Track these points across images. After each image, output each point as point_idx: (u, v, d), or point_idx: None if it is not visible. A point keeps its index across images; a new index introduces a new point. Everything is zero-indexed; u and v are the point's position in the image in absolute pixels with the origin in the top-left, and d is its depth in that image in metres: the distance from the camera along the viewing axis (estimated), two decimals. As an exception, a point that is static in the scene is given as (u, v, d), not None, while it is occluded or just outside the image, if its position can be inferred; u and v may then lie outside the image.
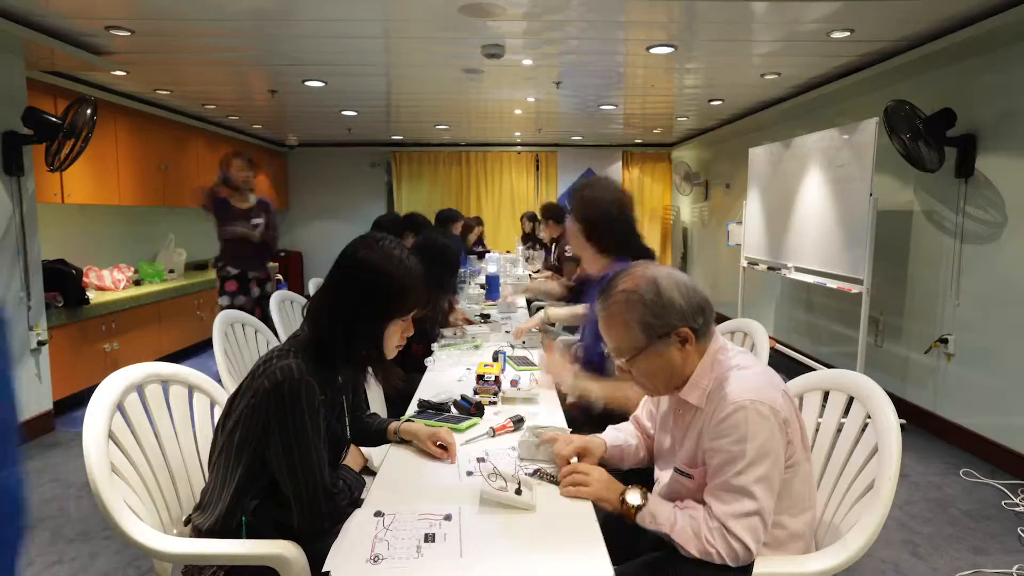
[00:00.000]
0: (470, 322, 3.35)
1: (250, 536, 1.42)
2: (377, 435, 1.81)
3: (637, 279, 1.38)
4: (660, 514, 1.35)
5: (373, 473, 1.71)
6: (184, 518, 1.63)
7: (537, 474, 1.55)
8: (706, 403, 1.36)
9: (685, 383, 1.40)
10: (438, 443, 1.69)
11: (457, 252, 3.26)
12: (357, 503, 1.49)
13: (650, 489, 1.48)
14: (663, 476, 1.50)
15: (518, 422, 1.88)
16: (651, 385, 1.44)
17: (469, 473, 1.59)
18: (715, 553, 1.26)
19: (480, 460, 1.67)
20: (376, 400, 2.76)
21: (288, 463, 1.38)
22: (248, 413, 1.41)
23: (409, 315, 1.55)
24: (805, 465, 1.37)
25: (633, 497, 1.38)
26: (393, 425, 1.79)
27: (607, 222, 2.15)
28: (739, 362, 1.37)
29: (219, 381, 2.09)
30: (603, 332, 1.43)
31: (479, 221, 7.65)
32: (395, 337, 1.55)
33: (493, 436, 1.82)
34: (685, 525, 1.30)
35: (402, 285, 1.50)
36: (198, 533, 1.48)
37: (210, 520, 1.45)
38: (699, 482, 1.37)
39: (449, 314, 3.30)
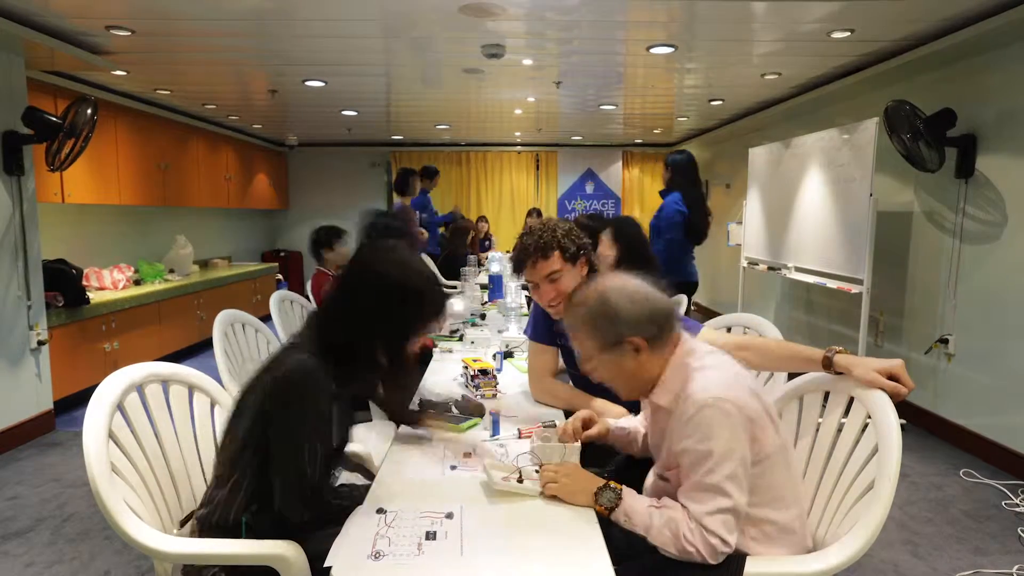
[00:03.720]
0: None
1: (249, 537, 1.43)
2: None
3: (588, 293, 1.46)
4: (635, 514, 1.36)
5: (372, 476, 1.72)
6: (182, 518, 1.63)
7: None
8: (675, 405, 1.38)
9: (654, 387, 1.43)
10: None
11: (403, 229, 3.21)
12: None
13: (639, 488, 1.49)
14: (649, 477, 1.53)
15: (549, 426, 1.86)
16: (617, 388, 1.50)
17: (453, 467, 1.62)
18: (695, 552, 1.27)
19: (467, 455, 1.69)
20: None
21: (282, 446, 1.40)
22: (258, 404, 1.43)
23: (430, 325, 1.57)
24: (780, 459, 1.37)
25: (605, 498, 1.39)
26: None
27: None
28: (706, 363, 1.39)
29: (219, 381, 2.09)
30: (571, 340, 1.51)
31: (482, 220, 7.82)
32: (415, 346, 1.58)
33: (519, 438, 1.82)
34: (662, 527, 1.32)
35: (430, 299, 1.52)
36: (200, 530, 1.48)
37: (214, 515, 1.46)
38: (675, 483, 1.38)
39: None
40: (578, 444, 1.62)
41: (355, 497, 1.56)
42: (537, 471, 1.52)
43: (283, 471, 1.40)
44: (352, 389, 1.62)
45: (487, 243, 8.00)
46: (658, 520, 1.33)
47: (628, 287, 1.44)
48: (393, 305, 1.48)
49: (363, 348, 1.49)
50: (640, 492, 1.45)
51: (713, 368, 1.37)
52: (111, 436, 1.48)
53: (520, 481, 1.47)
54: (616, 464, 1.81)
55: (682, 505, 1.33)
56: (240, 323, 2.77)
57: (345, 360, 1.48)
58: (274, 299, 3.35)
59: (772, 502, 1.36)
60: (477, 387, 2.20)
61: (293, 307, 3.46)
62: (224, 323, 2.63)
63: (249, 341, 2.78)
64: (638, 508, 1.37)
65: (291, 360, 1.42)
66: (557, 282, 2.00)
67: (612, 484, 1.41)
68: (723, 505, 1.27)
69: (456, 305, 3.51)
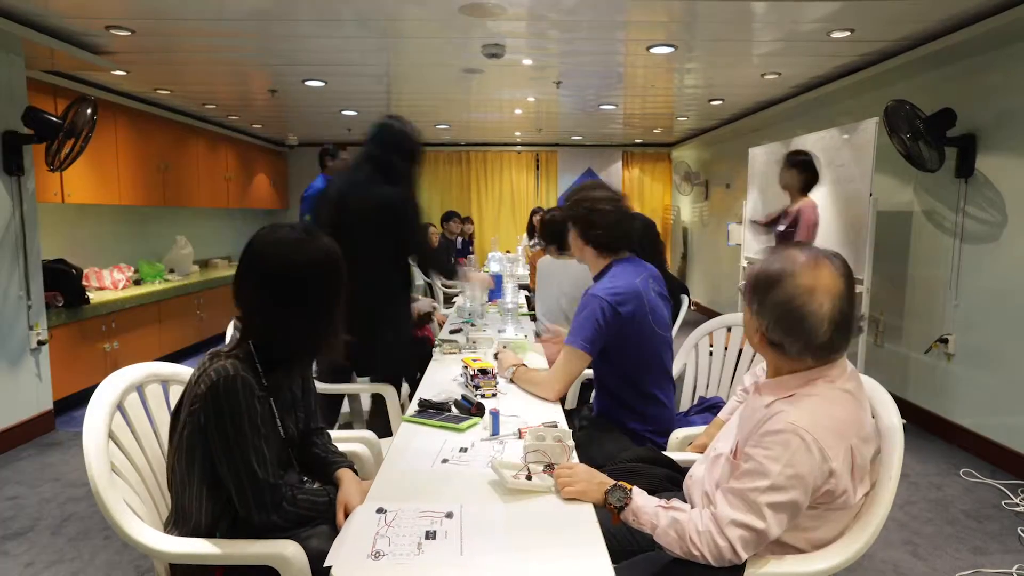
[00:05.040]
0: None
1: None
2: (322, 466, 1.67)
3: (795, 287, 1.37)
4: (642, 514, 1.36)
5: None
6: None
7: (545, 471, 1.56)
8: (770, 407, 1.31)
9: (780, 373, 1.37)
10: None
11: (416, 142, 2.79)
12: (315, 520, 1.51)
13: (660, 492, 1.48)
14: (718, 449, 1.48)
15: (551, 426, 1.85)
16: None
17: (444, 460, 1.64)
18: (699, 556, 1.26)
19: (463, 450, 1.70)
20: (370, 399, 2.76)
21: (227, 458, 1.40)
22: (191, 420, 1.43)
23: (343, 290, 1.54)
24: (853, 515, 1.34)
25: (615, 497, 1.39)
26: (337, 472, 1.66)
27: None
28: (817, 391, 1.31)
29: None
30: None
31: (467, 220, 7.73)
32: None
33: (519, 438, 1.81)
34: (667, 527, 1.31)
35: (328, 269, 1.48)
36: None
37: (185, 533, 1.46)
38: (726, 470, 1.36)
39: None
40: (571, 442, 1.63)
41: (329, 491, 1.56)
42: (545, 469, 1.52)
43: (235, 479, 1.40)
44: (279, 383, 1.58)
45: (470, 247, 7.67)
46: (664, 521, 1.32)
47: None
48: (292, 295, 1.44)
49: (291, 341, 1.49)
50: (650, 493, 1.44)
51: (826, 403, 1.29)
52: (111, 436, 1.48)
53: (529, 478, 1.47)
54: (620, 461, 1.81)
55: (710, 498, 1.32)
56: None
57: (276, 355, 1.49)
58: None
59: (813, 541, 1.33)
60: (477, 387, 2.19)
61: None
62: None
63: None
64: (646, 508, 1.36)
65: (212, 370, 1.41)
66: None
67: (622, 484, 1.41)
68: (752, 524, 1.24)
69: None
